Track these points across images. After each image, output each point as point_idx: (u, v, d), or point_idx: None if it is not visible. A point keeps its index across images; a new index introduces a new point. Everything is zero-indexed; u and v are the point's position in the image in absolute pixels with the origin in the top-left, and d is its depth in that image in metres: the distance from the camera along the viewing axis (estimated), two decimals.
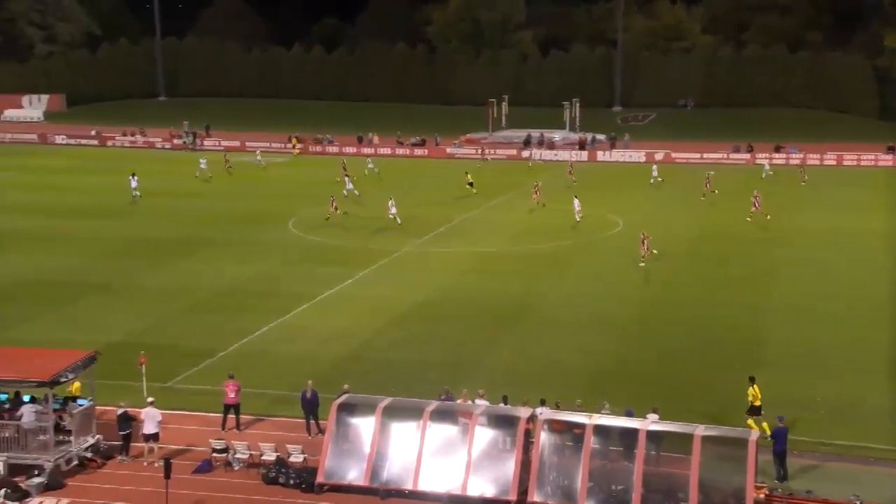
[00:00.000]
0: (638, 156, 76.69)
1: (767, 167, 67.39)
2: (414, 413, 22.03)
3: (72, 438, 22.66)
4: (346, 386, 24.25)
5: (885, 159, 72.85)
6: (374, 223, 49.43)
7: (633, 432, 21.02)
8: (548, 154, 78.78)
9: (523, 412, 22.10)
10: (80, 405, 23.19)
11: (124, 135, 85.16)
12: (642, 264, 40.40)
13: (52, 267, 40.45)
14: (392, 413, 22.06)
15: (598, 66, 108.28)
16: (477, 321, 33.73)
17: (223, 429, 24.55)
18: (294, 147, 79.39)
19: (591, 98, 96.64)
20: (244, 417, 25.02)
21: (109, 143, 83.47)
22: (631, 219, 51.85)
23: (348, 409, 22.33)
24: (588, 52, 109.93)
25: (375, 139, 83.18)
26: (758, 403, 24.36)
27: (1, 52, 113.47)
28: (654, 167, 64.82)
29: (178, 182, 63.13)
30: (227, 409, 24.77)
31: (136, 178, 56.27)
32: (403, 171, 69.51)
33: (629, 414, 22.82)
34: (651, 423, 21.81)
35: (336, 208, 49.66)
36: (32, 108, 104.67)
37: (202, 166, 64.26)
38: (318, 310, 35.14)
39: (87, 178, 61.66)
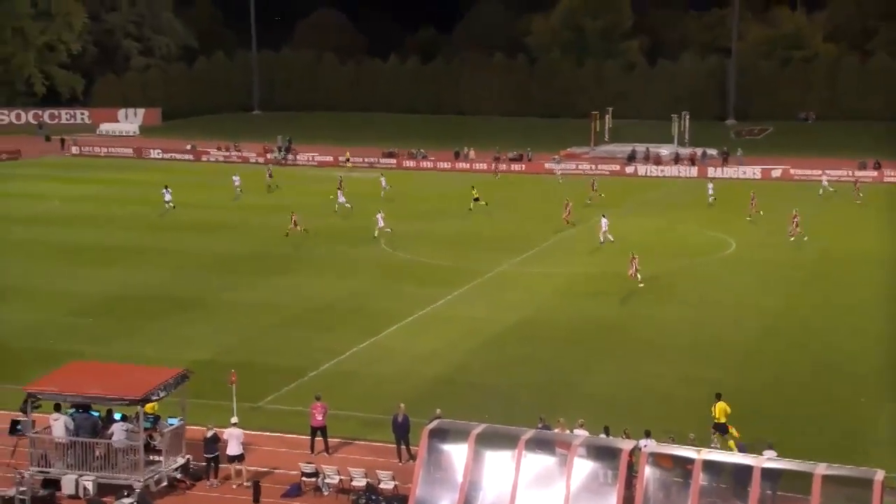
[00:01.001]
0: (753, 172, 74.98)
1: (826, 183, 65.02)
2: (509, 441, 21.84)
3: (162, 458, 23.19)
4: (438, 411, 24.26)
5: None
6: (462, 240, 49.64)
7: (746, 469, 20.38)
8: (654, 170, 77.72)
9: (626, 444, 21.68)
10: (171, 424, 23.75)
11: (218, 149, 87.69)
12: (641, 285, 39.64)
13: (144, 281, 41.80)
14: (486, 441, 21.92)
15: (709, 77, 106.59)
16: (575, 345, 33.40)
17: (312, 452, 24.87)
18: (347, 162, 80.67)
19: (701, 110, 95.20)
20: (333, 440, 25.27)
21: (204, 157, 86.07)
22: (745, 239, 50.68)
23: (440, 435, 22.29)
24: (699, 61, 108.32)
25: (472, 154, 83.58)
26: (722, 420, 24.36)
27: (99, 64, 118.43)
28: (710, 185, 63.27)
29: (269, 196, 64.55)
30: (314, 431, 25.07)
31: (169, 190, 58.26)
32: (499, 187, 69.58)
33: (742, 450, 22.17)
34: (767, 459, 21.14)
35: (296, 224, 49.72)
36: (128, 121, 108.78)
37: (236, 183, 64.41)
38: (410, 330, 35.33)
39: (181, 192, 63.54)
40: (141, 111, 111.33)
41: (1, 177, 71.67)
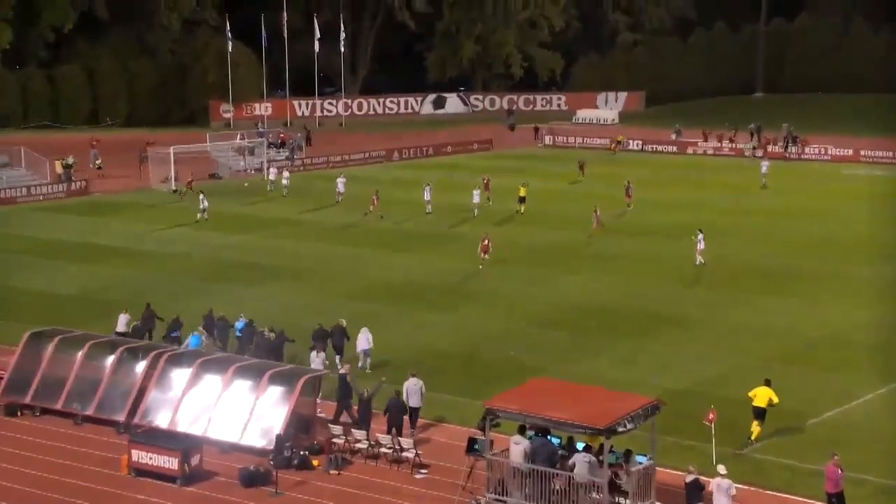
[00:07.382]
0: None
1: None
2: None
3: (628, 502, 23.50)
4: None
5: None
6: None
7: None
8: None
9: None
10: (640, 463, 24.00)
11: (707, 139, 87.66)
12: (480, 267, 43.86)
13: (617, 292, 42.94)
14: None
15: None
16: None
17: None
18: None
19: None
20: None
21: (690, 149, 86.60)
22: None
23: None
24: None
25: None
26: (757, 404, 27.48)
27: (580, 42, 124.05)
28: None
29: (774, 198, 63.31)
30: (830, 498, 23.79)
31: (430, 187, 59.80)
32: None
33: None
34: None
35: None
36: (607, 107, 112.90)
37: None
38: None
39: (654, 190, 64.52)
40: (623, 95, 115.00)
41: (476, 168, 77.20)
